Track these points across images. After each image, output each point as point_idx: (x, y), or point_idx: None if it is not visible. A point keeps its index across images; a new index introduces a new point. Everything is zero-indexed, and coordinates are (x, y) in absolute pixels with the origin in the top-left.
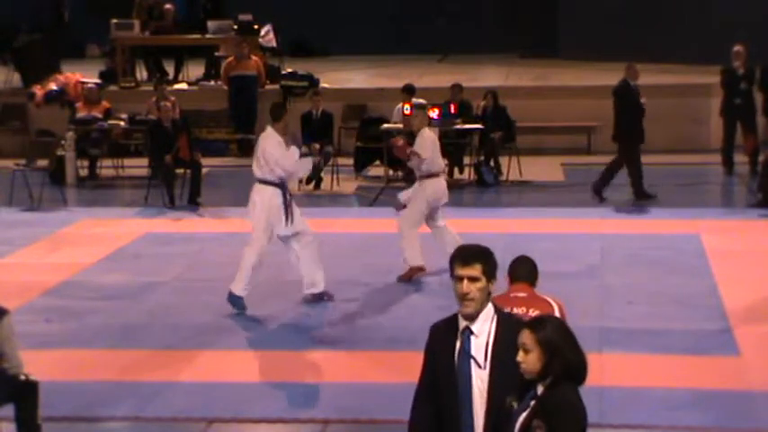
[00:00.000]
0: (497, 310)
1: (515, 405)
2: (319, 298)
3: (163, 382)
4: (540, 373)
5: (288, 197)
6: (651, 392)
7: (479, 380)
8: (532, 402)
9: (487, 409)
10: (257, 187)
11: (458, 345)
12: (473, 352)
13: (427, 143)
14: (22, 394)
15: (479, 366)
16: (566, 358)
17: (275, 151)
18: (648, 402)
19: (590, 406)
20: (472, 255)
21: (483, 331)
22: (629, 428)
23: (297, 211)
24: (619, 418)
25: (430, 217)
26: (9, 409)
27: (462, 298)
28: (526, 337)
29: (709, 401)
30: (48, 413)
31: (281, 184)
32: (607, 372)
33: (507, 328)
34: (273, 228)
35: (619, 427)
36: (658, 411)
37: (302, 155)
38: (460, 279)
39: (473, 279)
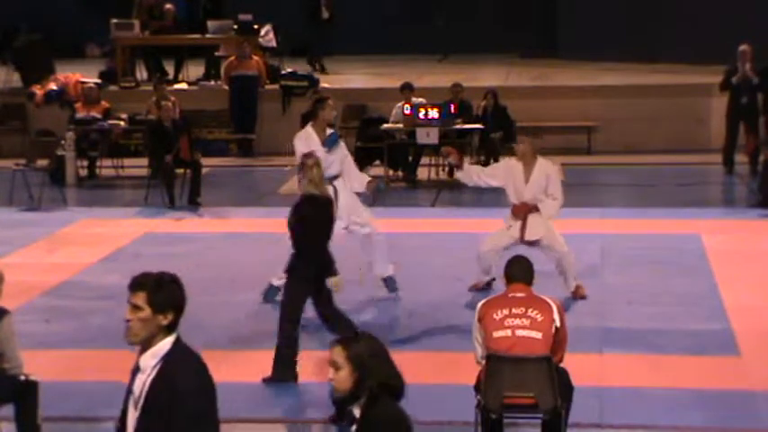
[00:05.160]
0: (177, 346)
1: None
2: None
3: None
4: (351, 390)
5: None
6: (651, 392)
7: (134, 421)
8: (353, 428)
9: None
10: None
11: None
12: (134, 389)
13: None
14: (22, 394)
15: (134, 407)
16: (379, 374)
17: (295, 145)
18: (648, 402)
19: (590, 406)
20: (139, 282)
21: (147, 368)
22: (629, 428)
23: (348, 206)
24: (619, 418)
25: None
26: (9, 409)
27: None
28: (337, 354)
29: (709, 401)
30: (48, 413)
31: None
32: (607, 372)
33: (173, 368)
34: None
35: (619, 427)
36: (658, 411)
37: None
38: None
39: (135, 307)
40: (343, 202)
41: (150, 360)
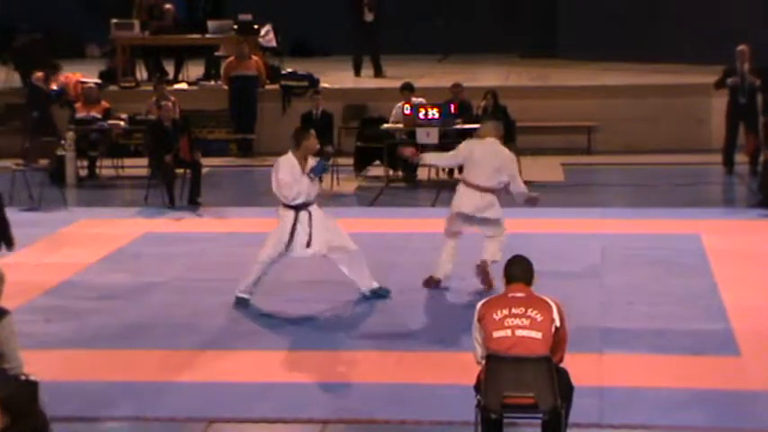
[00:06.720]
0: None
1: None
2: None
3: (163, 382)
4: None
5: (299, 222)
6: (651, 392)
7: None
8: None
9: None
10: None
11: None
12: None
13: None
14: None
15: None
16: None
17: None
18: (648, 402)
19: (590, 406)
20: None
21: None
22: (629, 428)
23: (324, 231)
24: (619, 418)
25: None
26: None
27: None
28: None
29: (709, 401)
30: (48, 413)
31: (296, 207)
32: (607, 372)
33: None
34: (284, 247)
35: (619, 427)
36: (658, 411)
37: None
38: None
39: None
40: (316, 226)
41: None
